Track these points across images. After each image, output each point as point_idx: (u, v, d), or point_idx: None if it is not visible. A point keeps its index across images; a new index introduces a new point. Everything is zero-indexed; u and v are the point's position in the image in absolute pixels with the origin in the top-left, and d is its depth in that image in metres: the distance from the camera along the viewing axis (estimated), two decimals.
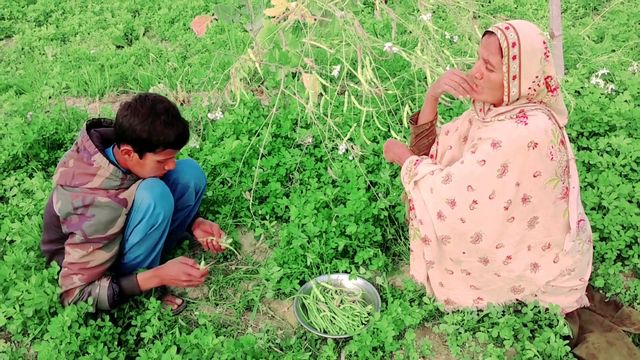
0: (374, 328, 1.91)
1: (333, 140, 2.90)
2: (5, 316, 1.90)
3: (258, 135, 2.94)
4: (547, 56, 1.67)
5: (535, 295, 1.91)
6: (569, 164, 1.79)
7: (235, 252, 2.40)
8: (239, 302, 2.18)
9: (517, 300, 1.94)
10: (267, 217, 2.61)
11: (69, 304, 1.90)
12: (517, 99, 1.72)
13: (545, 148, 1.67)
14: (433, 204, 1.84)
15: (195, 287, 2.15)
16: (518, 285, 1.89)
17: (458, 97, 1.81)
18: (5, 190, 2.81)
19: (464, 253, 1.85)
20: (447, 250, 1.88)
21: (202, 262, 2.04)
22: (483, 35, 1.71)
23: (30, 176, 2.95)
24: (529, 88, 1.69)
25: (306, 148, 2.90)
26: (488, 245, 1.80)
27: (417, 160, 1.95)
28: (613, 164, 2.55)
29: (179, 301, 2.17)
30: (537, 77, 1.68)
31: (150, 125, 1.85)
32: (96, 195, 1.88)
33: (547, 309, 1.90)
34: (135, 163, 1.95)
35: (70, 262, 1.89)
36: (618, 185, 2.37)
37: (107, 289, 1.92)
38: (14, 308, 1.90)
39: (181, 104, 3.74)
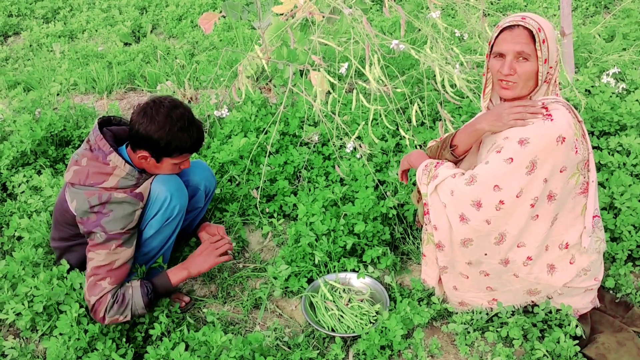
0: (382, 327, 1.91)
1: (341, 139, 2.89)
2: (14, 312, 1.91)
3: (266, 133, 2.94)
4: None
5: (551, 298, 1.89)
6: (589, 158, 1.78)
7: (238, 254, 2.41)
8: (247, 300, 2.17)
9: (532, 302, 1.93)
10: (275, 215, 2.61)
11: (106, 311, 1.83)
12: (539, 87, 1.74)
13: (571, 142, 1.67)
14: (454, 207, 1.79)
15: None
16: (535, 288, 1.87)
17: (529, 124, 1.70)
18: (13, 186, 2.82)
19: (485, 254, 1.82)
20: (468, 252, 1.84)
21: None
22: (500, 33, 1.71)
23: (39, 173, 2.96)
24: (551, 67, 1.71)
25: (314, 146, 2.89)
26: (510, 245, 1.78)
27: (437, 163, 1.91)
28: (624, 164, 2.52)
29: (186, 299, 2.17)
30: (557, 56, 1.71)
31: (168, 133, 1.86)
32: (112, 192, 1.88)
33: (558, 310, 1.88)
34: (151, 166, 1.96)
35: (96, 266, 1.86)
36: (630, 185, 2.34)
37: (139, 287, 1.90)
38: (23, 304, 1.91)
39: (189, 102, 3.74)
